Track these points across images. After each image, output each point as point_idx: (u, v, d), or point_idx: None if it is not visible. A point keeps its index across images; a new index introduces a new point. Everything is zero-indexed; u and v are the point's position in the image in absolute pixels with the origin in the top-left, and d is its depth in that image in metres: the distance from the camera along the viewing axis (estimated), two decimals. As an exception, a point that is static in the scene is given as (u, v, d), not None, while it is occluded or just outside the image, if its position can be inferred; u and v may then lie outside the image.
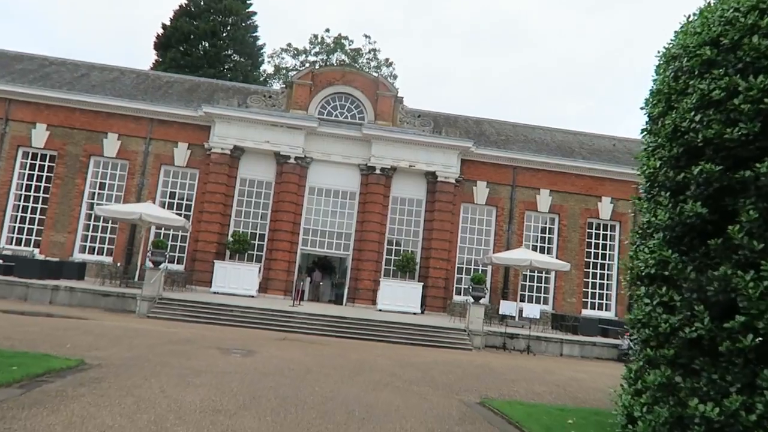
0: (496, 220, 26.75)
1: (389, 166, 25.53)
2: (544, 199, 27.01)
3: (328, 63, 43.58)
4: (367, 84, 26.68)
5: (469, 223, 26.76)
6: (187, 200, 25.52)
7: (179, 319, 16.35)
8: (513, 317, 21.51)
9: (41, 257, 22.11)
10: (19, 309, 14.85)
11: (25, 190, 25.03)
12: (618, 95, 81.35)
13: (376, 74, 27.22)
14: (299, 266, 25.88)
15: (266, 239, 25.14)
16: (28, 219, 24.84)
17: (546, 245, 26.87)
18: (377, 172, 25.44)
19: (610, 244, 27.39)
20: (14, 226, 24.76)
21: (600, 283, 27.04)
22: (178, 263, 24.87)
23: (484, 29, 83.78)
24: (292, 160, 25.09)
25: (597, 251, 27.24)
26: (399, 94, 26.81)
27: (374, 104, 26.40)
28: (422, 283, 24.30)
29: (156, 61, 38.54)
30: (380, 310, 22.94)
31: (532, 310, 19.56)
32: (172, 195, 25.56)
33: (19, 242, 24.59)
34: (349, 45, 48.18)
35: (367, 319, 18.16)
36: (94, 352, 8.97)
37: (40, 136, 25.02)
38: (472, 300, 18.71)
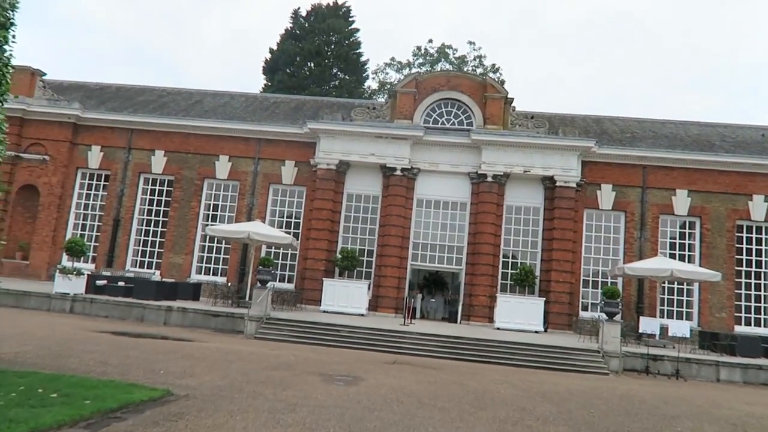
0: (625, 226, 23.98)
1: (501, 173, 23.75)
2: (681, 201, 23.83)
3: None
4: (474, 87, 25.18)
5: (594, 231, 24.21)
6: (295, 218, 25.37)
7: (286, 339, 15.69)
8: (654, 335, 18.79)
9: (158, 279, 22.71)
10: (132, 330, 14.92)
11: (147, 215, 26.13)
12: (748, 89, 72.98)
13: (482, 76, 25.66)
14: (410, 282, 24.72)
15: (375, 255, 24.26)
16: (149, 242, 25.87)
17: (686, 252, 23.63)
18: (489, 179, 23.75)
19: (766, 249, 23.55)
20: (138, 249, 25.87)
21: (756, 295, 23.25)
22: (288, 282, 24.70)
23: (591, 30, 79.07)
24: (398, 172, 24.10)
25: (750, 258, 23.52)
26: (509, 95, 25.00)
27: (482, 108, 24.82)
28: (544, 299, 22.12)
29: (265, 85, 39.66)
30: (498, 329, 21.12)
31: (680, 328, 16.80)
32: (281, 213, 25.52)
33: (141, 265, 25.64)
34: (454, 54, 46.93)
35: (484, 339, 16.49)
36: (185, 380, 8.26)
37: (158, 162, 26.08)
38: (605, 317, 16.42)
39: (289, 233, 23.80)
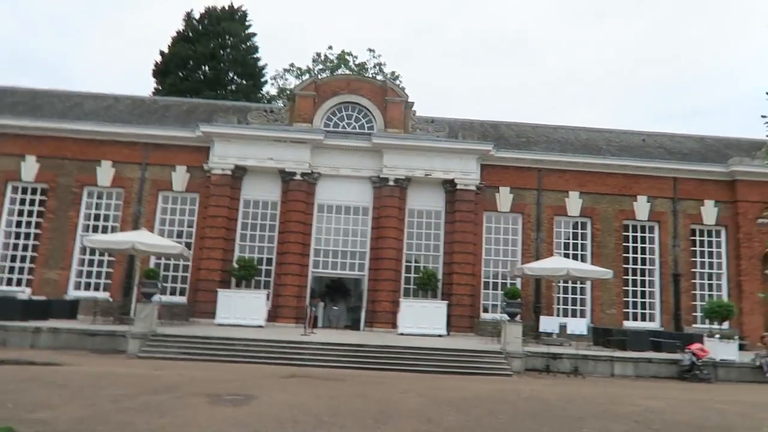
0: (522, 228, 24.52)
1: (403, 177, 23.54)
2: (573, 202, 24.77)
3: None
4: (375, 91, 24.86)
5: (493, 233, 24.57)
6: (188, 227, 23.70)
7: (174, 357, 14.33)
8: (551, 335, 19.21)
9: (26, 297, 20.24)
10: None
11: (16, 227, 23.37)
12: (628, 101, 79.03)
13: (383, 81, 25.42)
14: (311, 290, 23.83)
15: (274, 263, 23.17)
16: (18, 257, 23.14)
17: (579, 252, 24.54)
18: (390, 183, 23.46)
19: (650, 247, 25.00)
20: (4, 266, 23.04)
21: (642, 291, 24.60)
22: (180, 295, 23.00)
23: (488, 46, 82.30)
24: (298, 177, 23.21)
25: (636, 256, 24.87)
26: (409, 100, 24.90)
27: (383, 112, 24.54)
28: (446, 302, 22.06)
29: (156, 89, 37.25)
30: (402, 334, 20.78)
31: (578, 326, 17.26)
32: (172, 222, 23.74)
33: (9, 282, 22.86)
34: (354, 61, 46.66)
35: (388, 346, 16.00)
36: (38, 414, 6.99)
37: (30, 168, 23.45)
38: (507, 317, 16.48)
39: (180, 243, 22.17)
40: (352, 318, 24.58)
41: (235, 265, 22.23)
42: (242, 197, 23.71)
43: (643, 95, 78.77)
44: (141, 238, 17.77)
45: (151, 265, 22.92)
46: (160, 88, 36.86)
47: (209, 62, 37.54)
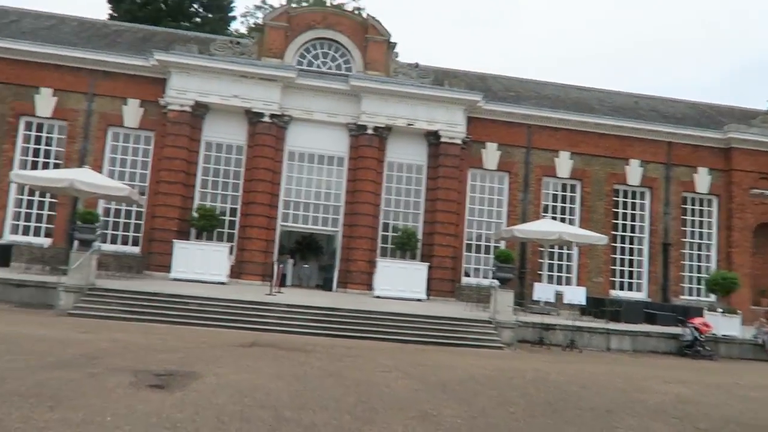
0: (509, 188, 22.75)
1: (383, 125, 21.34)
2: (563, 163, 23.05)
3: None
4: (355, 27, 22.33)
5: (478, 192, 22.74)
6: (141, 169, 21.15)
7: (113, 316, 12.17)
8: (539, 303, 17.67)
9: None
10: None
11: (-60, 160, 20.46)
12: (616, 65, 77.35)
13: (363, 16, 22.82)
14: (280, 246, 21.75)
15: (238, 214, 20.95)
16: (-56, 194, 20.33)
17: (567, 216, 22.97)
18: (369, 132, 21.25)
19: (640, 214, 23.57)
20: (-73, 204, 20.23)
21: (630, 260, 23.26)
22: (133, 245, 20.64)
23: (476, 6, 79.01)
24: (266, 119, 20.79)
25: (626, 222, 23.43)
26: (392, 40, 22.47)
27: (363, 51, 22.12)
28: (428, 264, 20.26)
29: (110, 15, 33.61)
30: (378, 297, 19.00)
31: (576, 295, 15.64)
32: (123, 163, 21.14)
33: (-67, 223, 20.11)
34: (331, 1, 43.40)
35: (364, 311, 14.13)
36: None
37: (-44, 92, 20.41)
38: (498, 283, 14.74)
39: (133, 186, 19.71)
40: (324, 277, 22.67)
41: (195, 214, 19.95)
42: (203, 139, 21.21)
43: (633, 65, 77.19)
44: (81, 177, 15.28)
45: (100, 210, 20.48)
46: (115, 15, 33.27)
47: (172, -12, 33.98)
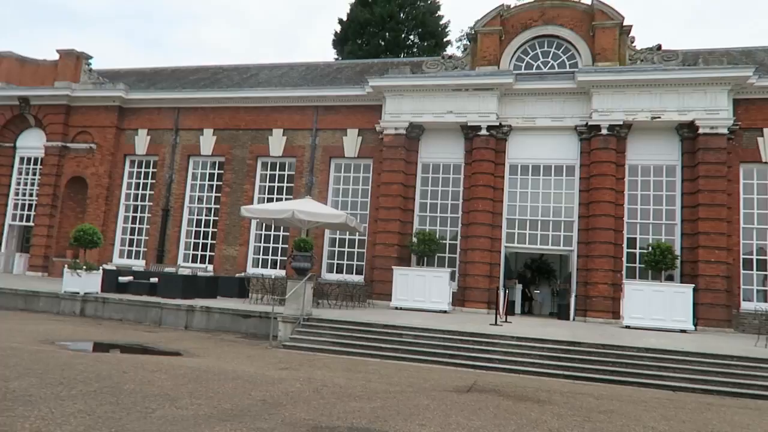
0: (802, 184, 17.41)
1: (621, 122, 18.06)
2: None
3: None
4: (578, 17, 19.62)
5: (756, 193, 17.87)
6: (362, 197, 21.11)
7: (323, 348, 11.34)
8: None
9: (208, 273, 19.30)
10: (125, 340, 11.24)
11: (197, 202, 23.01)
12: None
13: (587, 1, 19.93)
14: (506, 270, 19.65)
15: (459, 237, 19.46)
16: (202, 233, 22.72)
17: None
18: (603, 132, 18.16)
19: None
20: (189, 242, 22.79)
21: None
22: (357, 273, 20.51)
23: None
24: (483, 132, 19.10)
25: None
26: (625, 23, 19.16)
27: (590, 42, 19.26)
28: (692, 286, 16.18)
29: (335, 59, 35.83)
30: (627, 327, 15.63)
31: None
32: (345, 192, 21.35)
33: (194, 259, 22.55)
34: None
35: (614, 346, 11.21)
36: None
37: (207, 142, 22.86)
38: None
39: (355, 215, 19.65)
40: (559, 304, 19.85)
41: (414, 240, 19.01)
42: (420, 161, 20.35)
43: None
44: (301, 207, 15.27)
45: (326, 240, 20.87)
46: (339, 58, 35.37)
47: (387, 24, 34.92)
